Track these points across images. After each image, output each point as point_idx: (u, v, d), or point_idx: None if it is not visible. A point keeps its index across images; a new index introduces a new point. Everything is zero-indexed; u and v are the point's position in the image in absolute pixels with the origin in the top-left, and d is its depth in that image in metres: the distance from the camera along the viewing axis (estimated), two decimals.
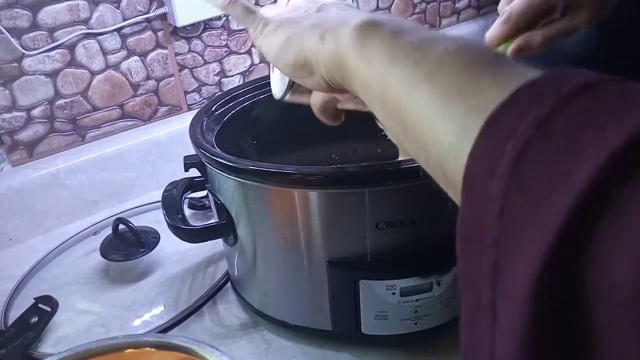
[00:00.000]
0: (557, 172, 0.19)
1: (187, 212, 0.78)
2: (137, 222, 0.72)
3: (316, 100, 0.46)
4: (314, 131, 0.70)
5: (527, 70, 0.25)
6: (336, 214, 0.50)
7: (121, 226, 0.70)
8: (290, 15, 0.41)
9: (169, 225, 0.56)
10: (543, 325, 0.19)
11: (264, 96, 0.67)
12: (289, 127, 0.69)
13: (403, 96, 0.28)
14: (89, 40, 0.79)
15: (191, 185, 0.61)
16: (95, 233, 0.76)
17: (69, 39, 0.77)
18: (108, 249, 0.69)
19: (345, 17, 0.35)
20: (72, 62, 0.78)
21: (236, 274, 0.62)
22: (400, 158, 0.70)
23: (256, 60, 0.94)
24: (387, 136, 0.68)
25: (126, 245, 0.69)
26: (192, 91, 0.90)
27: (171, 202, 0.58)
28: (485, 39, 0.52)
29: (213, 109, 0.62)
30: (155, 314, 0.64)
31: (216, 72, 0.91)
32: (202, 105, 0.64)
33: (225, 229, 0.56)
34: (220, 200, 0.56)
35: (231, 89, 0.66)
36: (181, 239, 0.56)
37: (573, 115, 0.20)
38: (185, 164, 0.58)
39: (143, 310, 0.64)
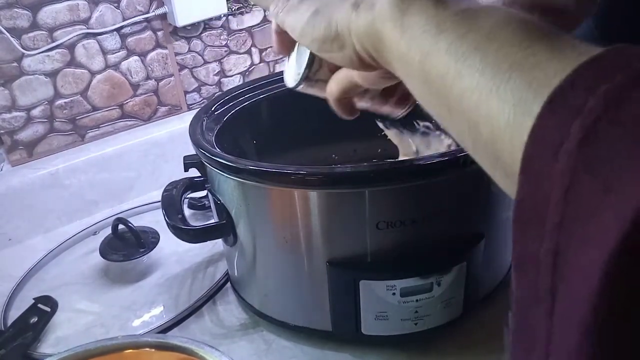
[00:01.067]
0: (631, 152, 0.18)
1: (187, 212, 0.78)
2: (137, 222, 0.72)
3: (333, 90, 0.43)
4: (314, 131, 0.70)
5: (586, 45, 0.23)
6: (336, 214, 0.50)
7: (121, 226, 0.69)
8: None
9: (168, 225, 0.56)
10: (613, 312, 0.18)
11: (264, 96, 0.67)
12: (289, 127, 0.69)
13: (451, 69, 0.26)
14: (89, 40, 0.79)
15: (191, 185, 0.60)
16: (94, 233, 0.76)
17: (69, 39, 0.77)
18: (107, 249, 0.69)
19: None
20: (72, 62, 0.78)
21: (236, 274, 0.62)
22: (401, 158, 0.70)
23: (256, 60, 0.94)
24: (387, 136, 0.68)
25: (126, 245, 0.69)
26: (192, 91, 0.90)
27: (171, 202, 0.58)
28: None
29: (213, 108, 0.62)
30: (154, 315, 0.64)
31: (216, 72, 0.91)
32: (202, 105, 0.64)
33: (225, 229, 0.56)
34: (220, 200, 0.56)
35: (231, 88, 0.66)
36: (181, 239, 0.56)
37: None
38: (185, 164, 0.58)
39: (142, 311, 0.64)
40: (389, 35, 0.30)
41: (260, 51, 0.94)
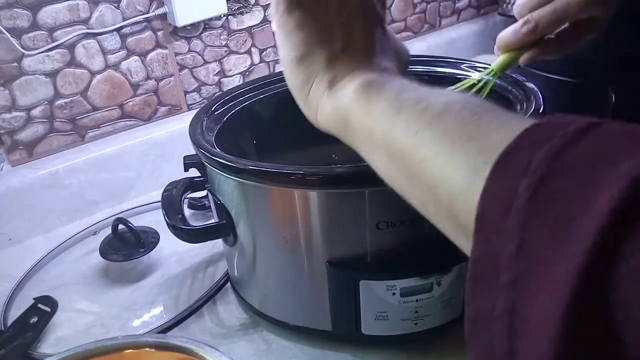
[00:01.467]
0: (577, 202, 0.19)
1: (187, 212, 0.78)
2: (137, 222, 0.72)
3: None
4: (314, 131, 0.70)
5: (525, 117, 0.26)
6: (336, 214, 0.50)
7: (121, 226, 0.70)
8: (315, 15, 0.38)
9: (168, 225, 0.56)
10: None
11: (264, 96, 0.67)
12: (289, 127, 0.69)
13: (409, 143, 0.29)
14: (89, 40, 0.79)
15: (191, 185, 0.60)
16: (94, 233, 0.76)
17: (69, 39, 0.77)
18: (107, 249, 0.69)
19: (359, 58, 0.37)
20: (72, 62, 0.78)
21: (236, 274, 0.62)
22: None
23: (256, 60, 0.94)
24: None
25: (126, 245, 0.69)
26: (192, 91, 0.90)
27: (171, 202, 0.58)
28: (498, 42, 0.51)
29: (213, 108, 0.62)
30: (154, 315, 0.64)
31: (216, 72, 0.91)
32: (202, 105, 0.64)
33: (225, 229, 0.56)
34: (220, 200, 0.56)
35: (231, 88, 0.66)
36: (181, 239, 0.56)
37: (584, 150, 0.21)
38: (185, 164, 0.58)
39: (142, 311, 0.64)
40: (355, 117, 0.34)
41: (260, 51, 0.94)
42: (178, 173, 0.61)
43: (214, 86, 0.92)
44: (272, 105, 0.68)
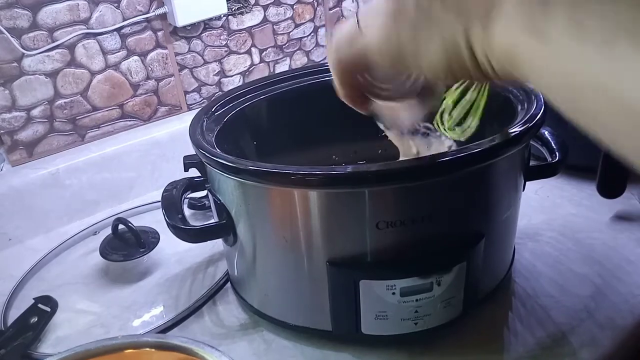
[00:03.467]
0: None
1: (187, 212, 0.78)
2: (137, 222, 0.72)
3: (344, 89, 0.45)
4: (315, 132, 0.70)
5: None
6: (336, 214, 0.49)
7: (121, 226, 0.70)
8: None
9: (168, 225, 0.55)
10: None
11: (264, 97, 0.67)
12: (289, 128, 0.69)
13: (604, 75, 0.23)
14: (89, 40, 0.79)
15: (191, 185, 0.60)
16: (95, 233, 0.76)
17: (69, 39, 0.77)
18: (107, 249, 0.69)
19: None
20: (72, 62, 0.78)
21: (236, 274, 0.62)
22: (401, 159, 0.70)
23: (256, 60, 0.94)
24: (387, 137, 0.68)
25: (126, 245, 0.69)
26: (192, 91, 0.90)
27: (171, 202, 0.58)
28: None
29: (213, 109, 0.62)
30: (155, 315, 0.64)
31: (216, 72, 0.91)
32: (202, 106, 0.64)
33: (225, 229, 0.56)
34: (220, 200, 0.56)
35: (231, 89, 0.66)
36: (181, 239, 0.56)
37: None
38: (185, 163, 0.58)
39: (143, 311, 0.64)
40: (526, 48, 0.27)
41: (260, 51, 0.94)
42: (178, 173, 0.61)
43: (214, 86, 0.92)
44: (272, 106, 0.68)
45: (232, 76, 0.93)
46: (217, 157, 0.51)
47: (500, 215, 0.55)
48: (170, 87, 0.88)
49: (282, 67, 0.98)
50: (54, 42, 0.76)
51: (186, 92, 0.89)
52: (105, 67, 0.81)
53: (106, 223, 0.76)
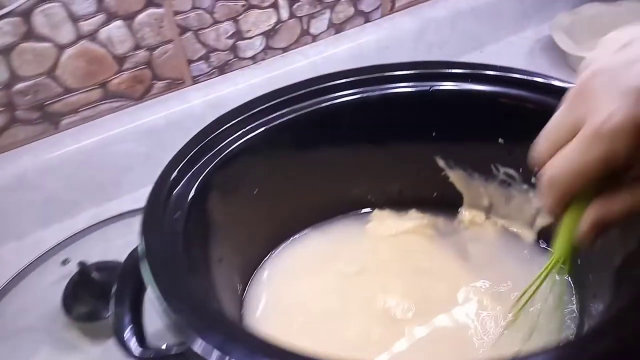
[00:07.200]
0: None
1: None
2: (127, 230, 0.59)
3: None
4: (340, 165, 0.52)
5: None
6: None
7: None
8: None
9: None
10: None
11: (264, 129, 0.47)
12: (304, 161, 0.50)
13: None
14: (51, 4, 0.58)
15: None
16: (64, 262, 0.62)
17: (21, 4, 0.57)
18: (70, 299, 0.55)
19: None
20: (30, 35, 0.59)
21: None
22: (464, 210, 0.55)
23: (284, 15, 0.71)
24: (448, 178, 0.52)
25: (94, 293, 0.55)
26: (198, 59, 0.70)
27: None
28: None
29: (188, 158, 0.43)
30: None
31: (230, 33, 0.69)
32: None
33: None
34: None
35: (213, 121, 0.46)
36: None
37: None
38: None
39: None
40: None
41: (290, 3, 0.71)
42: None
43: (227, 52, 0.71)
44: (281, 136, 0.49)
45: (251, 38, 0.71)
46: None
47: None
48: (168, 57, 0.67)
49: (319, 25, 0.74)
50: (1, 9, 0.56)
51: (190, 62, 0.69)
52: (76, 39, 0.61)
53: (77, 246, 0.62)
